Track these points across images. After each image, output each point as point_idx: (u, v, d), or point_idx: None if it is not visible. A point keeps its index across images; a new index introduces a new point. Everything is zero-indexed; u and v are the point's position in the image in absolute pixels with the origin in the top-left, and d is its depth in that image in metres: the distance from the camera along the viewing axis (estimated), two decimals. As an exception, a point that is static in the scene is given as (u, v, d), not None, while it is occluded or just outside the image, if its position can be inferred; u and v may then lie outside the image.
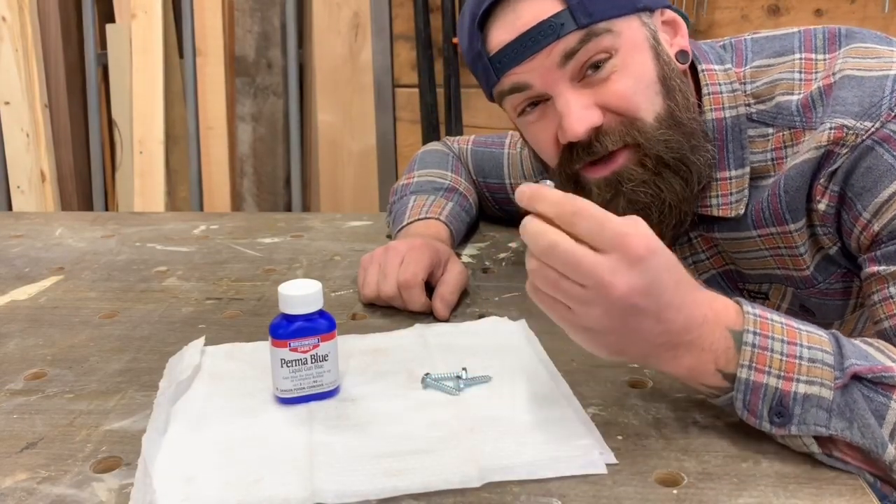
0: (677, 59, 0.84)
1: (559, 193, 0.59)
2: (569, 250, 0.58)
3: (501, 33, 0.81)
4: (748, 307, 0.63)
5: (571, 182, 0.86)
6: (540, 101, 0.83)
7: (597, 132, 0.80)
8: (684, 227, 0.89)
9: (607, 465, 0.61)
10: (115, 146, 2.53)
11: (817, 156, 0.78)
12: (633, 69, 0.80)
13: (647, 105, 0.80)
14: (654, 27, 0.83)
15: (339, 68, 2.41)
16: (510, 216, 1.21)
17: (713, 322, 0.62)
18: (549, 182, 0.63)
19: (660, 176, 0.81)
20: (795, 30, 0.87)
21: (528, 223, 0.60)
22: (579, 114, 0.79)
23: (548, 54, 0.79)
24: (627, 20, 0.80)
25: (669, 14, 0.85)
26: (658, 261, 0.58)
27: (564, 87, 0.80)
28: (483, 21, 0.83)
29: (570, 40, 0.78)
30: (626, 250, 0.57)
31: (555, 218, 0.59)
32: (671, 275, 0.59)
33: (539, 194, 0.60)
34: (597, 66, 0.79)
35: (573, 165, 0.83)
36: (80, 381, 0.77)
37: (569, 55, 0.79)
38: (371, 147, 2.44)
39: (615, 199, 0.82)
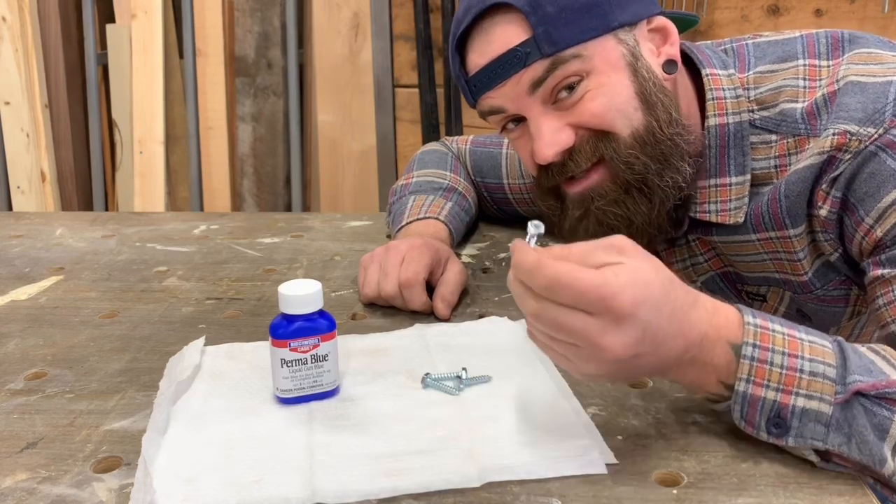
0: (664, 69, 0.83)
1: (531, 260, 0.57)
2: (555, 318, 0.57)
3: (476, 57, 0.82)
4: (749, 317, 0.62)
5: (552, 195, 0.87)
6: (520, 118, 0.84)
7: (570, 152, 0.81)
8: (654, 246, 0.89)
9: (607, 465, 0.62)
10: (115, 146, 2.53)
11: (820, 161, 0.77)
12: (608, 89, 0.79)
13: (624, 120, 0.80)
14: (633, 42, 0.81)
15: (339, 68, 2.41)
16: (509, 216, 1.21)
17: (713, 339, 0.61)
18: (533, 227, 0.60)
19: (629, 195, 0.81)
20: (797, 34, 0.87)
21: (511, 286, 0.60)
22: (549, 139, 0.80)
23: (517, 82, 0.80)
24: (600, 41, 0.79)
25: (659, 21, 0.84)
26: (647, 307, 0.56)
27: (536, 111, 0.81)
28: (461, 43, 0.84)
29: (537, 69, 0.78)
30: (611, 312, 0.55)
31: (533, 289, 0.58)
32: (663, 312, 0.58)
33: (515, 261, 0.59)
34: (570, 87, 0.79)
35: (552, 181, 0.85)
36: (80, 381, 0.77)
37: (536, 83, 0.79)
38: (371, 147, 2.44)
39: (584, 218, 0.83)
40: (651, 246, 0.87)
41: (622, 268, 0.57)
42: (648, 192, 0.81)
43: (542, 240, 0.60)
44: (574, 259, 0.58)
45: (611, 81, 0.79)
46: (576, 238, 0.83)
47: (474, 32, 0.82)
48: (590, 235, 0.82)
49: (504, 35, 0.79)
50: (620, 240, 0.60)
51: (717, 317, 0.62)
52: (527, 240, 0.60)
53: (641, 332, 0.56)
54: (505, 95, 0.81)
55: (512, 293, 0.60)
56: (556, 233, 0.89)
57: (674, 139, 0.81)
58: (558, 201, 0.87)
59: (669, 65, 0.83)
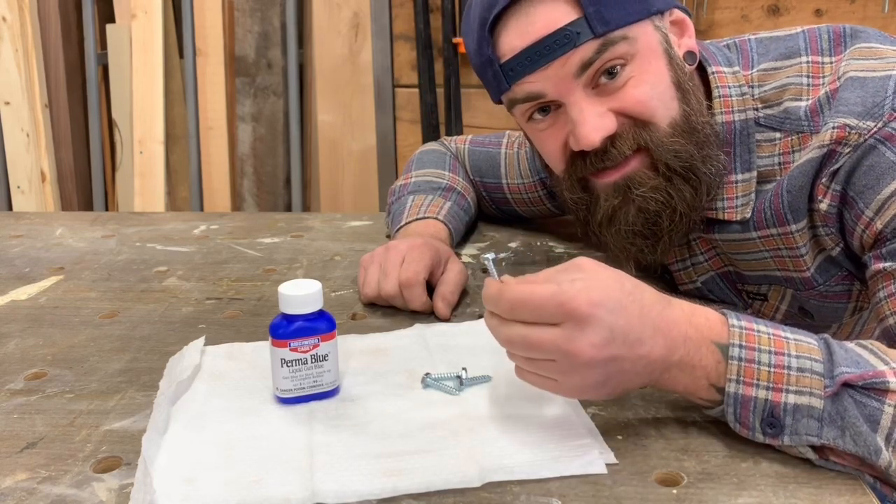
0: (685, 60, 0.83)
1: (493, 289, 0.62)
2: (524, 336, 0.61)
3: (514, 39, 0.79)
4: (733, 319, 0.63)
5: (580, 186, 0.85)
6: (550, 107, 0.82)
7: (611, 139, 0.80)
8: (693, 234, 0.89)
9: (607, 465, 0.62)
10: (115, 146, 2.53)
11: (820, 155, 0.77)
12: (649, 75, 0.79)
13: (664, 110, 0.80)
14: (665, 30, 0.82)
15: (339, 68, 2.40)
16: (508, 216, 1.21)
17: (696, 339, 0.62)
18: (489, 256, 0.67)
19: (670, 182, 0.81)
20: (799, 29, 0.87)
21: (486, 321, 0.64)
22: (595, 122, 0.78)
23: (563, 63, 0.77)
24: (642, 25, 0.79)
25: (678, 14, 0.84)
26: (606, 308, 0.59)
27: (579, 95, 0.79)
28: (494, 25, 0.80)
29: (587, 50, 0.77)
30: (571, 316, 0.59)
31: (501, 315, 0.62)
32: (628, 312, 0.60)
33: (483, 295, 0.64)
34: (610, 72, 0.78)
35: (583, 171, 0.83)
36: (80, 381, 0.77)
37: (585, 65, 0.77)
38: (371, 147, 2.44)
39: (624, 206, 0.82)
40: (686, 237, 0.87)
41: (578, 277, 0.60)
42: (695, 181, 0.81)
43: (499, 267, 0.65)
44: (539, 281, 0.61)
45: (652, 68, 0.79)
46: (612, 228, 0.83)
47: (510, 14, 0.79)
48: (629, 224, 0.82)
49: (549, 15, 0.77)
50: (582, 260, 0.63)
51: (696, 317, 0.63)
52: (490, 271, 0.66)
53: (608, 332, 0.59)
54: (547, 79, 0.79)
55: (488, 329, 0.64)
56: (581, 229, 0.88)
57: (705, 128, 0.82)
58: (586, 194, 0.85)
59: (690, 56, 0.83)
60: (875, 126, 0.75)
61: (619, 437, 0.65)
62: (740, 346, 0.61)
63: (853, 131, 0.75)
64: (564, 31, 0.76)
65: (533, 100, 0.81)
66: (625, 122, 0.79)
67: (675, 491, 0.59)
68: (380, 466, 0.61)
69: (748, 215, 0.85)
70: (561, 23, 0.77)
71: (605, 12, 0.76)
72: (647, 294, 0.62)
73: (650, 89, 0.79)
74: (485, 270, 1.03)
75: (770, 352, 0.61)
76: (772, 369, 0.61)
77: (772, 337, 0.62)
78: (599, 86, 0.79)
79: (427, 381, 0.74)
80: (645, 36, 0.79)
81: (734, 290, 0.94)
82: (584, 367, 0.59)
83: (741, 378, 0.61)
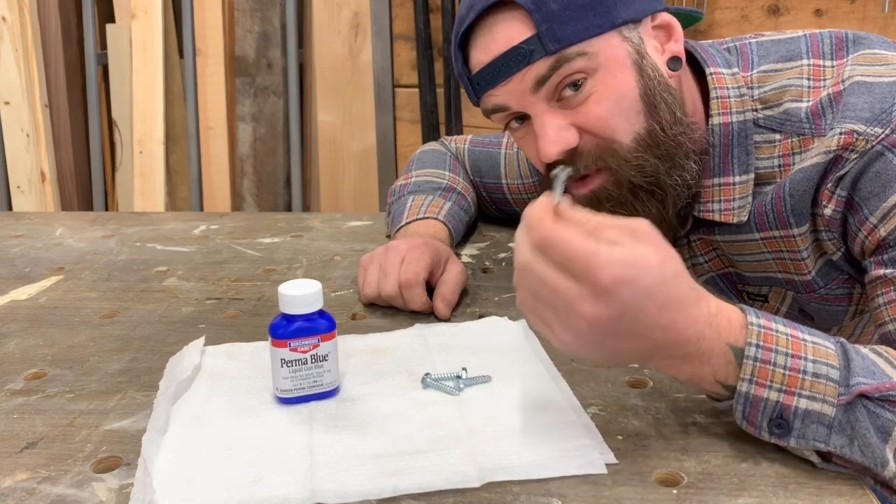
0: (668, 66, 0.82)
1: (538, 212, 0.58)
2: (541, 273, 0.57)
3: (479, 54, 0.82)
4: (753, 317, 0.61)
5: None
6: (525, 116, 0.83)
7: (573, 152, 0.80)
8: (693, 235, 0.89)
9: (607, 465, 0.61)
10: (115, 146, 2.53)
11: (825, 160, 0.77)
12: (613, 89, 0.79)
13: (626, 126, 0.79)
14: (638, 39, 0.81)
15: (339, 68, 2.41)
16: (508, 216, 1.21)
17: (711, 339, 0.60)
18: (562, 171, 0.60)
19: (636, 198, 0.81)
20: (801, 33, 0.87)
21: (516, 234, 0.61)
22: (553, 136, 0.79)
23: (520, 79, 0.79)
24: (605, 38, 0.79)
25: (663, 18, 0.83)
26: (631, 289, 0.55)
27: (541, 108, 0.80)
28: (464, 40, 0.83)
29: (541, 67, 0.78)
30: (592, 281, 0.55)
31: (532, 243, 0.58)
32: (651, 301, 0.56)
33: (526, 210, 0.60)
34: (575, 84, 0.79)
35: None
36: (80, 381, 0.77)
37: (540, 81, 0.79)
38: (371, 147, 2.44)
39: None
40: (687, 238, 0.87)
41: (621, 246, 0.56)
42: (661, 194, 0.81)
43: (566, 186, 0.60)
44: (588, 228, 0.57)
45: (616, 81, 0.79)
46: None
47: (477, 30, 0.81)
48: None
49: (507, 32, 0.79)
50: (639, 223, 0.58)
51: (719, 318, 0.61)
52: (556, 187, 0.59)
53: (620, 310, 0.56)
54: (508, 93, 0.81)
55: (515, 241, 0.61)
56: None
57: (677, 139, 0.81)
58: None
59: (674, 62, 0.83)
60: (883, 133, 0.74)
61: (619, 437, 0.65)
62: (757, 346, 0.60)
63: (861, 137, 0.75)
64: (519, 48, 0.78)
65: (500, 111, 0.84)
66: (589, 139, 0.80)
67: (675, 491, 0.59)
68: (380, 466, 0.61)
69: (744, 218, 0.84)
70: (516, 40, 0.78)
71: (558, 29, 0.77)
72: (682, 286, 0.58)
73: (612, 105, 0.79)
74: (483, 270, 1.03)
75: (787, 354, 0.60)
76: (787, 372, 0.60)
77: (790, 338, 0.61)
78: (563, 98, 0.80)
79: (427, 381, 0.74)
80: (608, 49, 0.79)
81: (734, 291, 0.94)
82: (581, 328, 0.57)
83: (754, 378, 0.60)
